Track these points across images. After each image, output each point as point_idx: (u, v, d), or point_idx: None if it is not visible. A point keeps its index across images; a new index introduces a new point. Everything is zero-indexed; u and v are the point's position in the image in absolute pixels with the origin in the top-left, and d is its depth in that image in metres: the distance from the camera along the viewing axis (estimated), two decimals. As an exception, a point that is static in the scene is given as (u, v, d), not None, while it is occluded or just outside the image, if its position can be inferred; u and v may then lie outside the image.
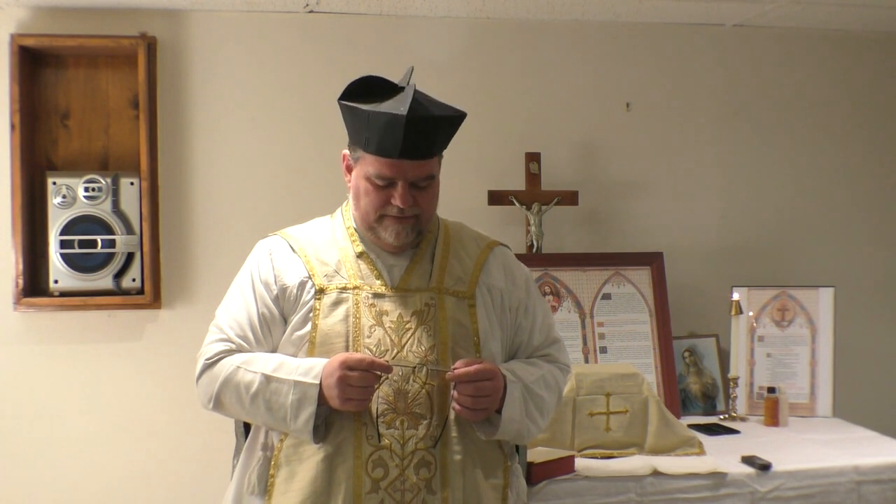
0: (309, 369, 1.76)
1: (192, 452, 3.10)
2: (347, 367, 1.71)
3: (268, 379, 1.78)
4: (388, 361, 1.76)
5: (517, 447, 2.03)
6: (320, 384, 1.74)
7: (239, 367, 1.81)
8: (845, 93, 3.53)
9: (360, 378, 1.71)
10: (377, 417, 1.77)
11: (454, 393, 1.77)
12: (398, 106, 1.73)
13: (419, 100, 1.76)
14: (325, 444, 1.78)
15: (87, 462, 3.07)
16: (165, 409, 3.09)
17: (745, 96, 3.46)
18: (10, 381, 3.04)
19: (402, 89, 1.80)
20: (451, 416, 1.81)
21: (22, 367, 3.04)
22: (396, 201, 1.80)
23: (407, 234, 1.85)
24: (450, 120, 1.82)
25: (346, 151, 1.91)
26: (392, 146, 1.75)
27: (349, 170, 1.91)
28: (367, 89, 1.81)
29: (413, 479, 1.77)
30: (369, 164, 1.81)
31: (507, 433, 1.84)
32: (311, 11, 3.16)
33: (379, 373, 1.74)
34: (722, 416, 3.06)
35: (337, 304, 1.84)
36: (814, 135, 3.51)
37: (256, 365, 1.81)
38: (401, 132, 1.72)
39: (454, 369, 1.76)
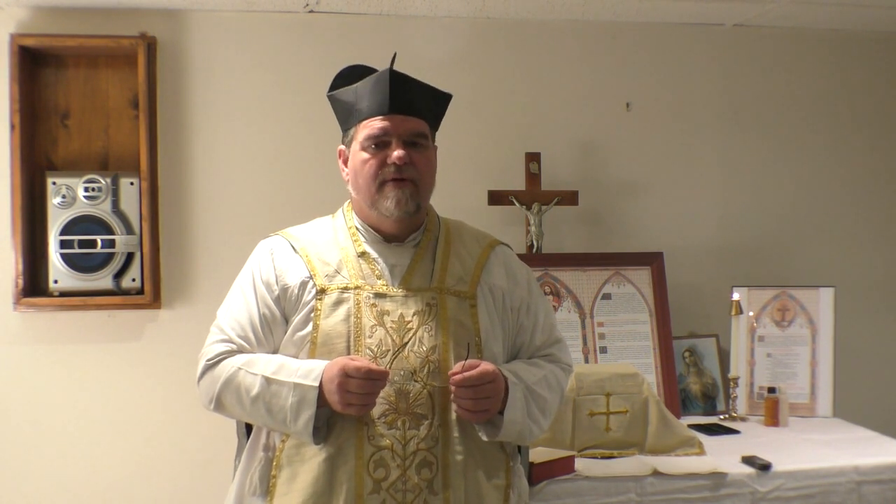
0: (308, 371, 1.76)
1: (192, 452, 3.09)
2: (346, 374, 1.71)
3: (268, 381, 1.78)
4: (387, 368, 1.76)
5: (519, 447, 2.03)
6: (321, 386, 1.74)
7: (240, 368, 1.81)
8: (845, 93, 3.53)
9: (359, 385, 1.71)
10: (378, 418, 1.77)
11: (454, 395, 1.77)
12: (381, 71, 1.87)
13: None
14: (326, 444, 1.78)
15: (87, 462, 3.07)
16: (165, 409, 3.09)
17: (745, 96, 3.46)
18: (10, 381, 3.03)
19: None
20: (453, 416, 1.80)
21: (22, 367, 3.04)
22: (392, 158, 1.83)
23: (407, 202, 1.86)
24: (432, 90, 1.91)
25: (342, 146, 1.95)
26: (381, 103, 1.85)
27: (346, 163, 1.94)
28: (352, 76, 1.92)
29: (415, 479, 1.77)
30: (362, 131, 1.87)
31: (508, 435, 1.84)
32: (311, 11, 3.16)
33: (377, 380, 1.73)
34: (722, 416, 3.06)
35: (338, 304, 1.84)
36: (814, 135, 3.51)
37: (257, 367, 1.81)
38: (387, 87, 1.83)
39: (453, 374, 1.76)
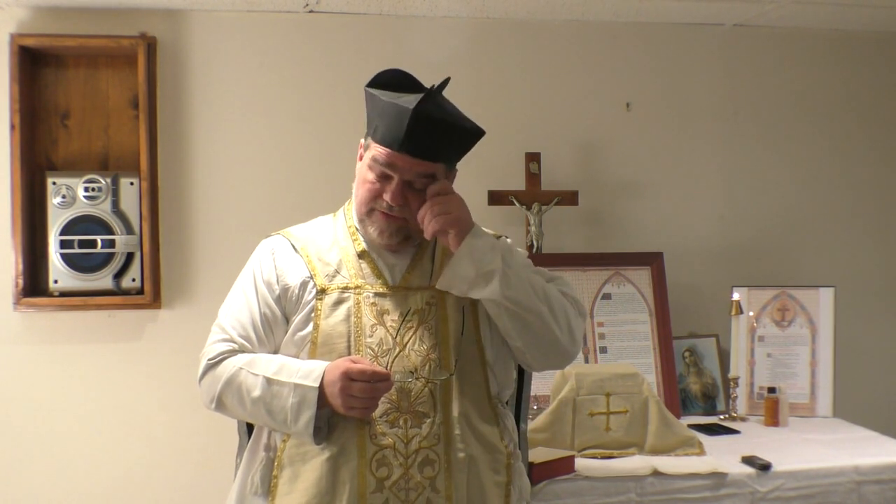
0: (309, 372, 1.76)
1: (193, 452, 3.09)
2: (349, 377, 1.70)
3: (269, 382, 1.77)
4: (388, 369, 1.77)
5: (519, 445, 2.03)
6: (322, 387, 1.73)
7: (241, 368, 1.81)
8: (845, 93, 3.54)
9: (362, 390, 1.70)
10: (380, 416, 1.77)
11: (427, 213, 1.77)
12: (411, 101, 1.74)
13: (437, 102, 1.77)
14: (328, 444, 1.77)
15: (88, 462, 3.06)
16: (165, 409, 3.09)
17: (745, 96, 3.46)
18: (10, 381, 3.03)
19: (427, 90, 1.78)
20: (455, 414, 1.80)
21: (22, 367, 3.04)
22: (387, 198, 1.81)
23: (391, 235, 1.86)
24: (461, 130, 1.82)
25: (363, 140, 1.91)
26: (394, 138, 1.77)
27: (361, 158, 1.91)
28: (395, 83, 1.81)
29: (417, 477, 1.77)
30: (374, 150, 1.82)
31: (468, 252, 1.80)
32: (311, 11, 3.16)
33: (380, 382, 1.72)
34: (722, 416, 3.06)
35: (338, 303, 1.84)
36: (814, 134, 3.52)
37: (258, 367, 1.80)
38: (404, 126, 1.73)
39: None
